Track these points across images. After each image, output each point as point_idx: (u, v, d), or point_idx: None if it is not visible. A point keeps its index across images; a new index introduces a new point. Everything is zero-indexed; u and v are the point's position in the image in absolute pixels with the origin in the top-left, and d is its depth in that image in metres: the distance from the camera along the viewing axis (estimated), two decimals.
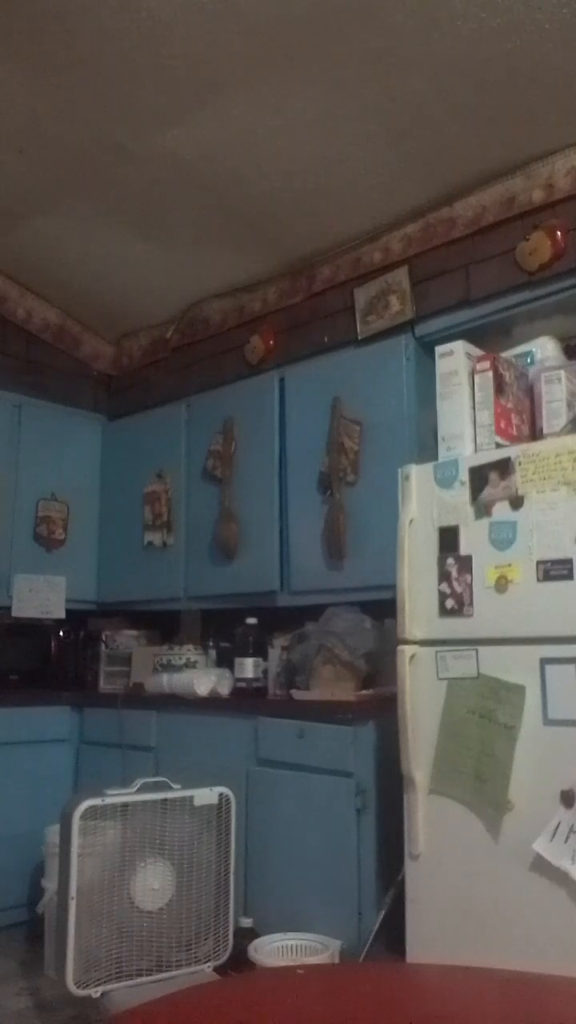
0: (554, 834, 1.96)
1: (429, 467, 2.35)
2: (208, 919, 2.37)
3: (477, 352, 2.46)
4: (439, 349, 2.46)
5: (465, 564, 2.23)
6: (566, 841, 1.94)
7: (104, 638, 3.71)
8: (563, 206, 2.64)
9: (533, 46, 2.26)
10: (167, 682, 3.15)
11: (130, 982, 2.22)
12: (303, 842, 2.58)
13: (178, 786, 2.41)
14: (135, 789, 2.36)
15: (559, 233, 2.61)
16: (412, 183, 2.84)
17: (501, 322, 2.84)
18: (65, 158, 2.89)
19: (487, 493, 2.21)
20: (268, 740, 2.76)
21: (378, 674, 2.79)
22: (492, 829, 2.08)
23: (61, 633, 3.81)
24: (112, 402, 4.19)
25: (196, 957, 2.34)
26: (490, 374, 2.36)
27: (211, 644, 3.49)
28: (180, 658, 3.32)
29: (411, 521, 2.34)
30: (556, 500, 2.08)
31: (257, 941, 2.45)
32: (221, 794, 2.44)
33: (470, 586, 2.21)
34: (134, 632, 3.75)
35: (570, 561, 2.03)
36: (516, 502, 2.15)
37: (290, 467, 3.23)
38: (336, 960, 2.36)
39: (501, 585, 2.15)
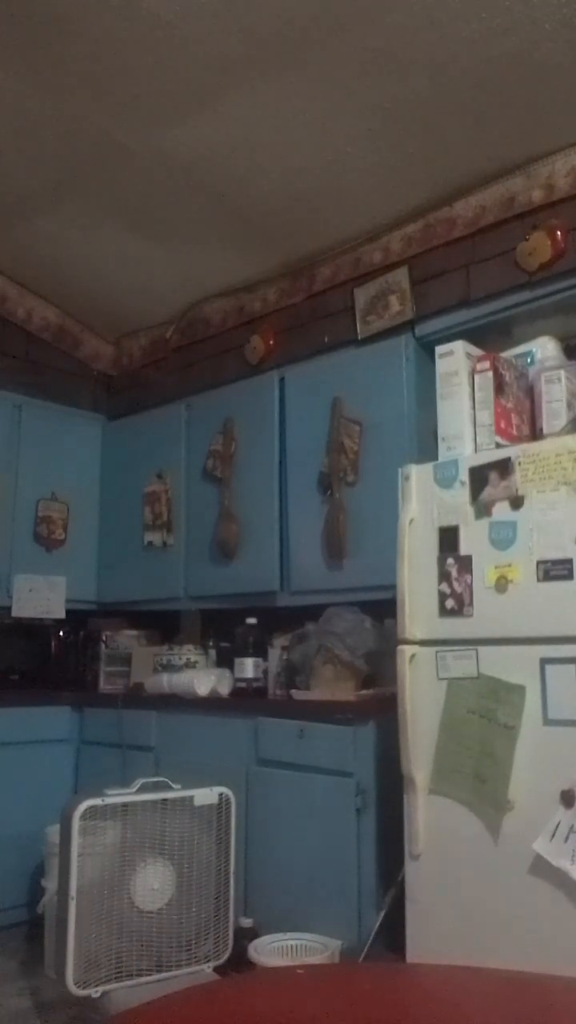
0: (554, 834, 1.96)
1: (429, 467, 2.35)
2: (208, 919, 2.38)
3: (477, 352, 2.46)
4: (439, 349, 2.46)
5: (465, 564, 2.23)
6: (566, 841, 1.94)
7: (104, 638, 3.71)
8: (563, 206, 2.64)
9: (533, 46, 2.26)
10: (167, 682, 3.15)
11: (130, 982, 2.22)
12: (303, 842, 2.58)
13: (178, 786, 2.41)
14: (135, 789, 2.36)
15: (559, 233, 2.62)
16: (412, 183, 2.84)
17: (501, 322, 2.84)
18: (65, 158, 2.89)
19: (487, 493, 2.21)
20: (268, 740, 2.76)
21: (378, 674, 2.79)
22: (492, 829, 2.08)
23: (61, 633, 3.81)
24: (112, 402, 4.19)
25: (196, 957, 2.34)
26: (490, 374, 2.36)
27: (211, 644, 3.49)
28: (180, 658, 3.32)
29: (411, 521, 2.34)
30: (556, 500, 2.08)
31: (257, 941, 2.45)
32: (221, 794, 2.44)
33: (470, 586, 2.21)
34: (134, 632, 3.75)
35: (570, 561, 2.03)
36: (516, 502, 2.15)
37: (290, 467, 3.23)
38: (336, 960, 2.36)
39: (501, 585, 2.15)
